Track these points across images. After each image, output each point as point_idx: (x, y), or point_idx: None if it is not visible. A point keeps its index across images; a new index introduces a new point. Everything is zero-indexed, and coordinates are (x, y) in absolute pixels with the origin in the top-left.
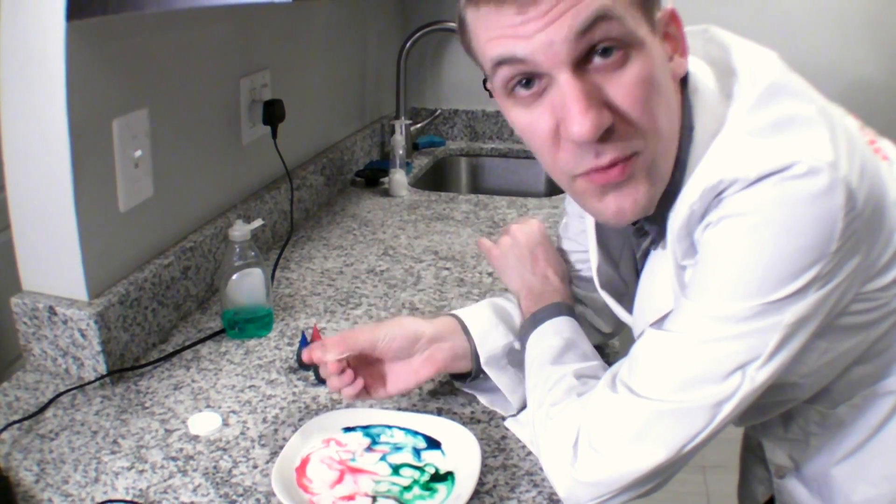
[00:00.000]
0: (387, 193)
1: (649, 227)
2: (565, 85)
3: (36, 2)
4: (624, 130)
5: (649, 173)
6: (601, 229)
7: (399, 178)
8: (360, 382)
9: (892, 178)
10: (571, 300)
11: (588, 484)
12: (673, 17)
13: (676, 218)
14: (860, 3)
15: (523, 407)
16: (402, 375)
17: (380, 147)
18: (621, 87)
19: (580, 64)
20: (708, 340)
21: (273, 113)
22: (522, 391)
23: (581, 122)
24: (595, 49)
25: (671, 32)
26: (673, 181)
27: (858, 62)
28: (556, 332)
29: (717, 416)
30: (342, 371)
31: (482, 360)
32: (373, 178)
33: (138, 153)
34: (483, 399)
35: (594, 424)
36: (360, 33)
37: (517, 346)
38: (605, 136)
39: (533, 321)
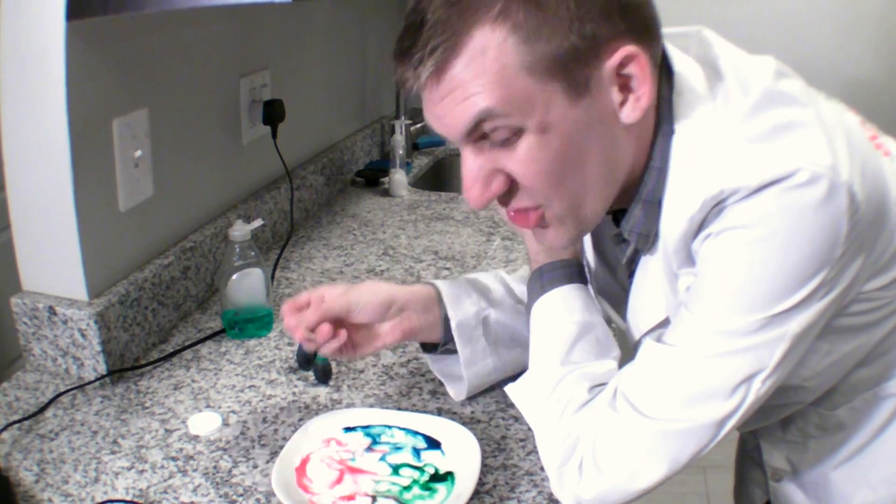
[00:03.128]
0: (387, 193)
1: (628, 235)
2: (463, 157)
3: (36, 2)
4: (524, 192)
5: (562, 220)
6: (596, 237)
7: (399, 178)
8: (342, 335)
9: (893, 175)
10: (580, 257)
11: (593, 501)
12: (632, 58)
13: (673, 229)
14: (861, 3)
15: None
16: (369, 339)
17: (380, 147)
18: (513, 161)
19: (479, 139)
20: (713, 355)
21: (273, 113)
22: (479, 368)
23: (468, 195)
24: (486, 135)
25: (628, 74)
26: (649, 189)
27: (858, 61)
28: (567, 308)
29: (721, 430)
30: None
31: (453, 325)
32: (373, 178)
33: (138, 153)
34: (446, 381)
35: (597, 444)
36: (360, 33)
37: (492, 316)
38: (506, 196)
39: (541, 283)
